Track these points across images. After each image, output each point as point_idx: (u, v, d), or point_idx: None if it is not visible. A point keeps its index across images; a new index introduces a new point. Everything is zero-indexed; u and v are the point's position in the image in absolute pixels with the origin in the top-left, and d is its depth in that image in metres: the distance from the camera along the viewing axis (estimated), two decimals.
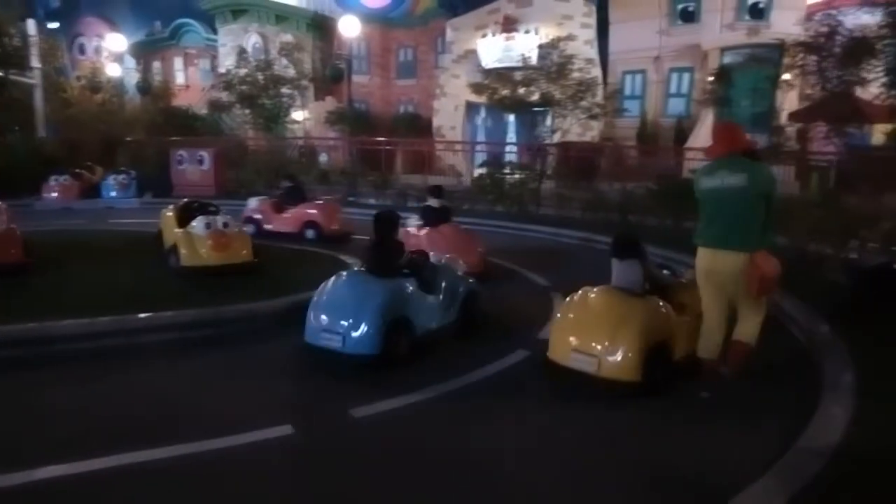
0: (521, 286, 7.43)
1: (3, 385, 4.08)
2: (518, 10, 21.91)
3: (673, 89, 21.81)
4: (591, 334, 4.12)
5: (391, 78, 29.09)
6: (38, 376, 4.23)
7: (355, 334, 4.40)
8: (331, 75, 25.70)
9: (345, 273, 5.04)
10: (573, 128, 14.42)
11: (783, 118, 12.69)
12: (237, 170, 17.31)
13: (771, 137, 11.03)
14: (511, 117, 19.73)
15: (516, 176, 14.19)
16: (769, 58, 11.87)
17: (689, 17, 21.22)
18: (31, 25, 18.24)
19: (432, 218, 7.71)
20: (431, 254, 5.80)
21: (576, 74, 13.91)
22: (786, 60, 9.74)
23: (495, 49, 22.00)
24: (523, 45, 20.03)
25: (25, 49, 17.58)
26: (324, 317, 4.58)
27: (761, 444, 3.31)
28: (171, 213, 7.55)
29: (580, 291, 4.52)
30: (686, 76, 21.46)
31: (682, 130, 19.73)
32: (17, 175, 14.81)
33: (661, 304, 4.33)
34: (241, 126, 21.00)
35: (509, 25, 21.88)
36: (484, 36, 22.47)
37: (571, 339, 4.19)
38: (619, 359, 3.97)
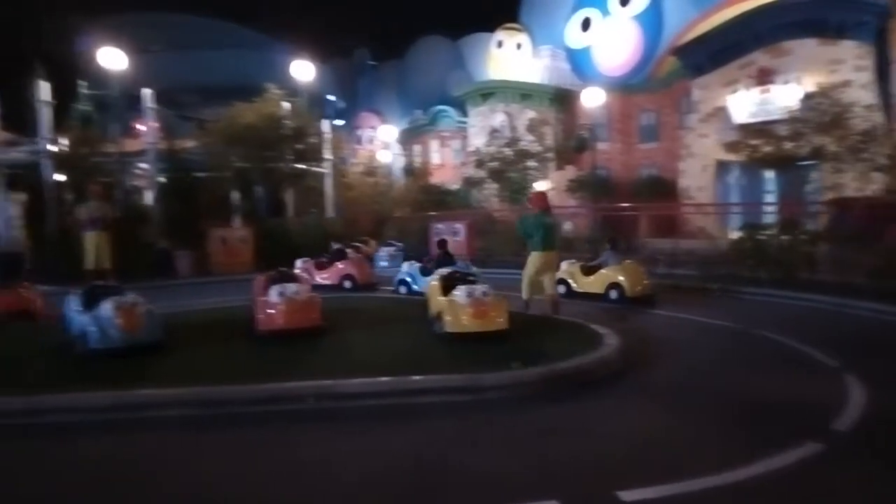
0: (799, 364, 6.58)
1: (300, 438, 4.62)
2: (774, 60, 20.33)
3: None
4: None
5: (632, 143, 28.81)
6: (330, 428, 4.79)
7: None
8: (576, 146, 26.40)
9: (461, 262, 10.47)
10: (851, 182, 12.64)
11: None
12: (485, 239, 18.44)
13: None
14: (770, 174, 18.04)
15: (783, 238, 12.78)
16: None
17: None
18: (325, 125, 22.11)
19: (340, 254, 12.91)
20: None
21: (854, 122, 12.30)
22: None
23: (748, 104, 20.58)
24: (783, 97, 18.40)
25: (321, 145, 21.30)
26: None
27: None
28: (436, 283, 8.27)
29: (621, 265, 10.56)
30: None
31: None
32: (314, 249, 17.67)
33: None
34: (487, 198, 22.47)
35: (764, 78, 20.34)
36: (734, 91, 21.19)
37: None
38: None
